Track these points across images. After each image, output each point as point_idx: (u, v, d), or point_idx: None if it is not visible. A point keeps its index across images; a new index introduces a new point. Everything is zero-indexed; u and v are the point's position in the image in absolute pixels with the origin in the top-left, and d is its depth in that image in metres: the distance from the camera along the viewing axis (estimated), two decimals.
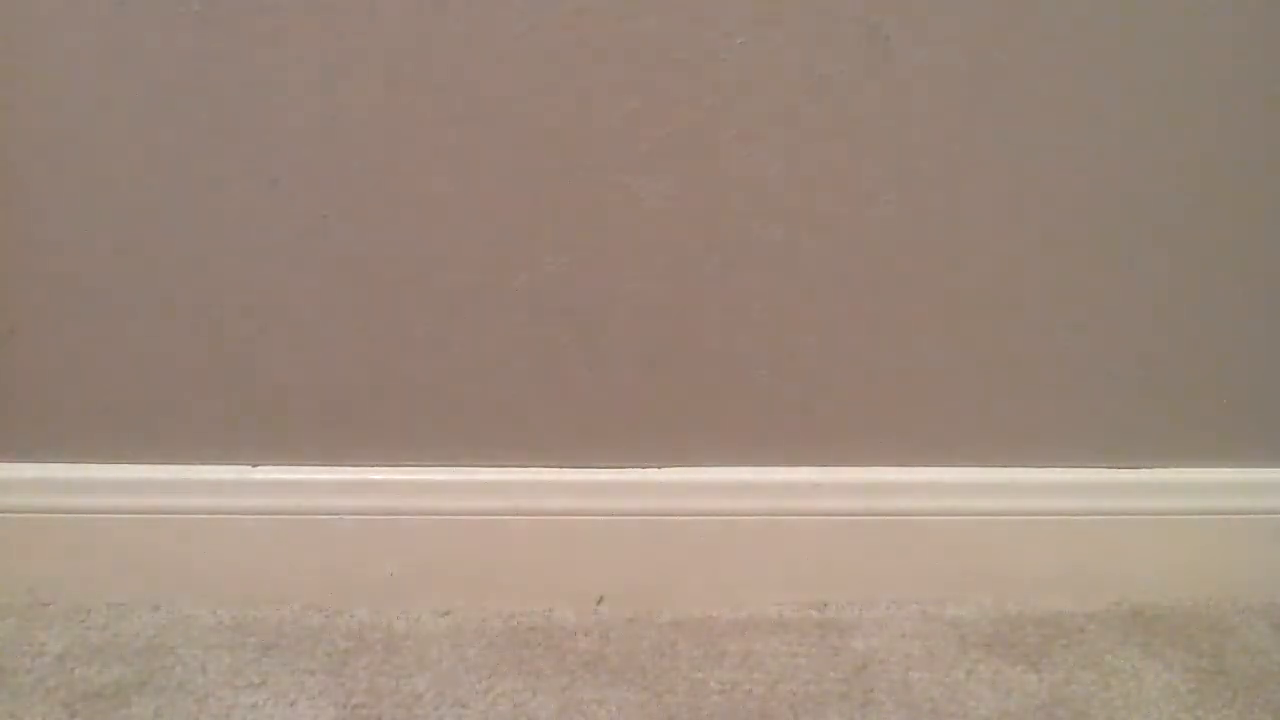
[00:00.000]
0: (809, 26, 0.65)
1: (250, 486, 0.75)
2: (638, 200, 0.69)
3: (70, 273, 0.70)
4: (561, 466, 0.76)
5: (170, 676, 0.70)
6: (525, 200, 0.69)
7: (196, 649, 0.72)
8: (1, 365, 0.72)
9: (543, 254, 0.70)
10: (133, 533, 0.75)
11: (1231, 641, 0.76)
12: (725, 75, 0.66)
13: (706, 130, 0.68)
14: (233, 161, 0.67)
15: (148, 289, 0.71)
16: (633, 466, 0.76)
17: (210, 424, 0.74)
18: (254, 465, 0.75)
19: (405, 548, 0.76)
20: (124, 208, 0.68)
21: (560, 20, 0.65)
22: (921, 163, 0.69)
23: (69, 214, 0.68)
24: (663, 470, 0.77)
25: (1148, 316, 0.75)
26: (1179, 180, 0.71)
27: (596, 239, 0.70)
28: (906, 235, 0.71)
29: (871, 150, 0.69)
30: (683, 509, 0.77)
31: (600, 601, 0.78)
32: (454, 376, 0.73)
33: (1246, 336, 0.76)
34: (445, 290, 0.71)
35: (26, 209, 0.68)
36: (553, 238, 0.70)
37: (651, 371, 0.74)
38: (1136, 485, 0.79)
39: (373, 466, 0.76)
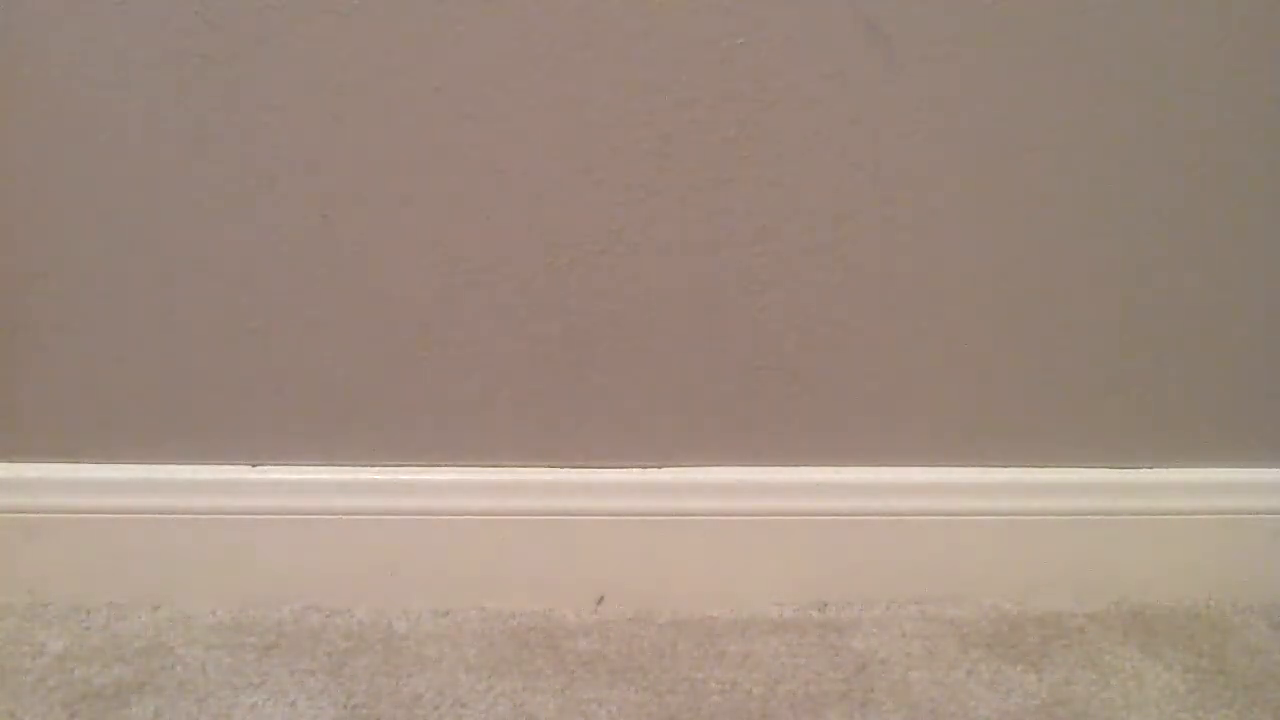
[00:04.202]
0: (809, 26, 0.65)
1: (250, 486, 0.75)
2: (637, 200, 0.69)
3: (70, 273, 0.70)
4: (562, 466, 0.76)
5: (170, 676, 0.70)
6: (525, 200, 0.69)
7: (196, 649, 0.72)
8: (1, 365, 0.72)
9: (543, 254, 0.70)
10: (133, 533, 0.75)
11: (1231, 641, 0.76)
12: (726, 75, 0.66)
13: (706, 130, 0.68)
14: (232, 161, 0.67)
15: (148, 289, 0.71)
16: (633, 466, 0.76)
17: (210, 424, 0.74)
18: (254, 465, 0.76)
19: (405, 548, 0.76)
20: (124, 208, 0.68)
21: (560, 20, 0.65)
22: (922, 162, 0.69)
23: (69, 214, 0.68)
24: (663, 470, 0.77)
25: (1148, 317, 0.75)
26: (1180, 180, 0.71)
27: (596, 239, 0.70)
28: (907, 234, 0.71)
29: (871, 150, 0.69)
30: (683, 509, 0.77)
31: (600, 601, 0.78)
32: (454, 376, 0.73)
33: (1246, 336, 0.76)
34: (445, 290, 0.71)
35: (27, 209, 0.68)
36: (553, 238, 0.70)
37: (651, 371, 0.74)
38: (1136, 485, 0.79)
39: (373, 466, 0.76)
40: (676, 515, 0.77)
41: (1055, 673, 0.73)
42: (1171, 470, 0.79)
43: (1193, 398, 0.77)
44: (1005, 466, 0.78)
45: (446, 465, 0.76)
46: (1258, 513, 0.80)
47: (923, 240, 0.71)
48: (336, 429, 0.75)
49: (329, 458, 0.75)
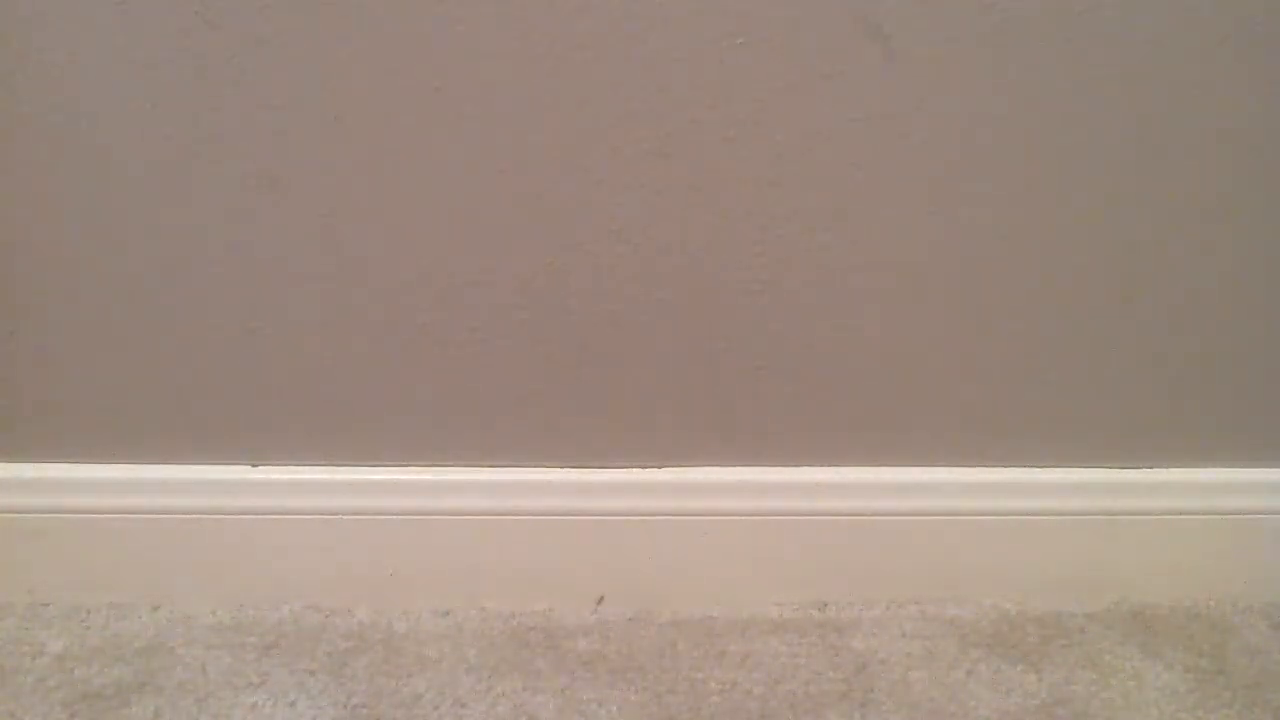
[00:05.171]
0: (809, 26, 0.65)
1: (250, 486, 0.75)
2: (638, 200, 0.69)
3: (70, 273, 0.70)
4: (561, 466, 0.76)
5: (170, 676, 0.70)
6: (525, 200, 0.69)
7: (196, 649, 0.72)
8: (1, 365, 0.72)
9: (542, 254, 0.70)
10: (133, 533, 0.75)
11: (1231, 641, 0.76)
12: (725, 75, 0.66)
13: (706, 130, 0.68)
14: (233, 161, 0.67)
15: (148, 289, 0.71)
16: (633, 466, 0.76)
17: (210, 424, 0.74)
18: (254, 465, 0.76)
19: (405, 548, 0.76)
20: (124, 208, 0.68)
21: (560, 20, 0.65)
22: (922, 162, 0.69)
23: (69, 214, 0.68)
24: (663, 470, 0.77)
25: (1148, 316, 0.75)
26: (1181, 179, 0.71)
27: (596, 239, 0.70)
28: (906, 234, 0.71)
29: (871, 150, 0.69)
30: (683, 509, 0.77)
31: (600, 601, 0.78)
32: (454, 376, 0.73)
33: (1246, 336, 0.76)
34: (445, 290, 0.71)
35: (26, 209, 0.68)
36: (552, 238, 0.70)
37: (651, 371, 0.74)
38: (1136, 485, 0.79)
39: (373, 466, 0.76)
40: (676, 515, 0.77)
41: (1055, 673, 0.73)
42: (1171, 470, 0.79)
43: (1193, 398, 0.77)
44: (1005, 466, 0.78)
45: (446, 465, 0.76)
46: (1258, 513, 0.80)
47: (922, 240, 0.71)
48: (336, 429, 0.75)
49: (329, 458, 0.75)
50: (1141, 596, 0.80)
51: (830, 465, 0.77)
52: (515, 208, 0.69)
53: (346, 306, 0.71)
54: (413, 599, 0.77)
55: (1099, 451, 0.78)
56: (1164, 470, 0.79)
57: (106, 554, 0.76)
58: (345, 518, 0.76)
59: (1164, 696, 0.71)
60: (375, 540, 0.76)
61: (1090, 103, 0.68)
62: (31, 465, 0.75)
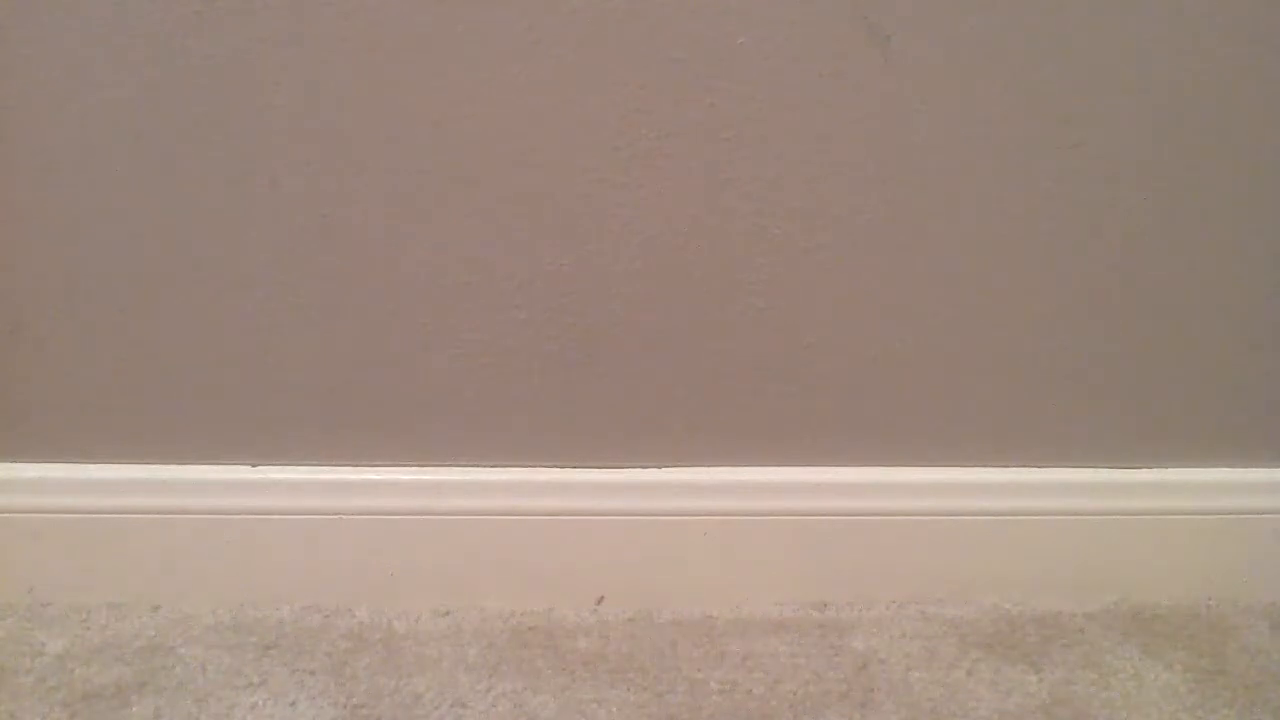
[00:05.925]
0: (809, 26, 0.66)
1: (250, 486, 0.75)
2: (637, 200, 0.69)
3: (70, 273, 0.70)
4: (561, 466, 0.76)
5: (170, 676, 0.70)
6: (525, 200, 0.69)
7: (196, 649, 0.72)
8: (2, 365, 0.72)
9: (543, 254, 0.70)
10: (133, 533, 0.75)
11: (1231, 641, 0.76)
12: (725, 75, 0.66)
13: (706, 130, 0.68)
14: (233, 161, 0.67)
15: (147, 288, 0.71)
16: (633, 466, 0.76)
17: (210, 424, 0.74)
18: (254, 465, 0.75)
19: (405, 548, 0.76)
20: (124, 208, 0.68)
21: (560, 20, 0.65)
22: (921, 162, 0.69)
23: (69, 214, 0.68)
24: (663, 470, 0.77)
25: (1147, 316, 0.75)
26: (1179, 180, 0.71)
27: (596, 239, 0.70)
28: (906, 235, 0.71)
29: (871, 150, 0.69)
30: (683, 509, 0.77)
31: (600, 601, 0.78)
32: (454, 376, 0.73)
33: (1247, 336, 0.76)
34: (445, 290, 0.71)
35: (26, 209, 0.68)
36: (553, 238, 0.70)
37: (651, 371, 0.74)
38: (1136, 485, 0.79)
39: (373, 466, 0.76)
40: (676, 515, 0.77)
41: (1055, 673, 0.73)
42: (1171, 470, 0.79)
43: (1193, 398, 0.77)
44: (1005, 466, 0.78)
45: (446, 465, 0.76)
46: (1258, 513, 0.80)
47: (922, 240, 0.71)
48: (336, 429, 0.75)
49: (329, 458, 0.75)
50: (1141, 596, 0.80)
51: (830, 465, 0.77)
52: (515, 208, 0.69)
53: (346, 306, 0.71)
54: (413, 599, 0.77)
55: (1099, 451, 0.78)
56: (1164, 470, 0.79)
57: (106, 554, 0.76)
58: (345, 518, 0.76)
59: (1164, 696, 0.71)
60: (375, 540, 0.76)
61: (1090, 103, 0.68)
62: (31, 465, 0.75)
